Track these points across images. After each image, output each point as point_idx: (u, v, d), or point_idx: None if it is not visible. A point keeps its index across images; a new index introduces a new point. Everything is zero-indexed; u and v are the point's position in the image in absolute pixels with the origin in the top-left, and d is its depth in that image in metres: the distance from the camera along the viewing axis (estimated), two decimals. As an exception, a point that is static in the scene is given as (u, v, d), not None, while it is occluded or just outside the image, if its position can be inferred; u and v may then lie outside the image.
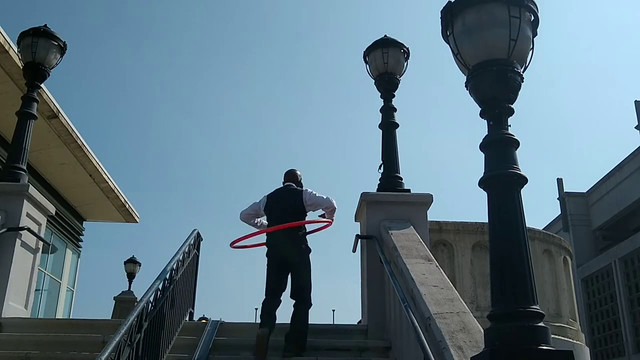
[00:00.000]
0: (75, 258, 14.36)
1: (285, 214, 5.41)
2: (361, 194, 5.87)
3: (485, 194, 3.02)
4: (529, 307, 2.70)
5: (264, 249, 5.51)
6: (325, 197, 5.54)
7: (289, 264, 5.32)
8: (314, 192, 5.57)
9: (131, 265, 16.40)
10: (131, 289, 15.98)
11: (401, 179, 6.11)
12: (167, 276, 4.50)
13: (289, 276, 5.36)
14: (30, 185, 5.87)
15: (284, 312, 5.39)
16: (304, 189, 5.67)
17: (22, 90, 6.88)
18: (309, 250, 5.45)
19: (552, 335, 2.80)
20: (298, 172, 5.85)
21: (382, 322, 5.20)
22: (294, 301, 5.28)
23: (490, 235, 2.98)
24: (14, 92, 8.33)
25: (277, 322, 5.16)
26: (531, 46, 3.15)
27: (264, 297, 5.27)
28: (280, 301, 5.33)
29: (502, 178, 2.95)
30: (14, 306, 5.52)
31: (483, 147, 3.06)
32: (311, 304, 5.31)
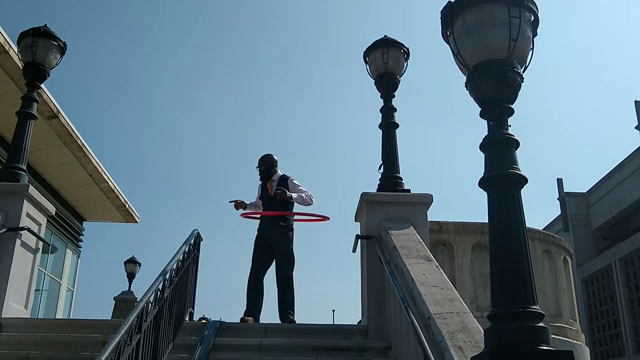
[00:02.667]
0: (75, 258, 14.36)
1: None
2: (361, 194, 5.86)
3: (485, 194, 3.02)
4: (529, 307, 2.69)
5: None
6: (304, 194, 6.36)
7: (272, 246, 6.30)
8: (297, 183, 6.45)
9: (131, 265, 16.40)
10: (131, 289, 16.00)
11: (401, 179, 6.10)
12: (167, 276, 4.49)
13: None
14: (30, 185, 5.85)
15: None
16: (289, 177, 6.48)
17: (22, 90, 6.87)
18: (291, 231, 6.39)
19: (552, 336, 2.80)
20: (275, 157, 6.63)
21: (382, 322, 5.19)
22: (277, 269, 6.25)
23: (490, 236, 2.98)
24: (14, 92, 8.33)
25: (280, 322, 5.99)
26: (531, 46, 3.14)
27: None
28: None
29: (502, 178, 2.95)
30: (14, 306, 5.51)
31: (483, 147, 3.06)
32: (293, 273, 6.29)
